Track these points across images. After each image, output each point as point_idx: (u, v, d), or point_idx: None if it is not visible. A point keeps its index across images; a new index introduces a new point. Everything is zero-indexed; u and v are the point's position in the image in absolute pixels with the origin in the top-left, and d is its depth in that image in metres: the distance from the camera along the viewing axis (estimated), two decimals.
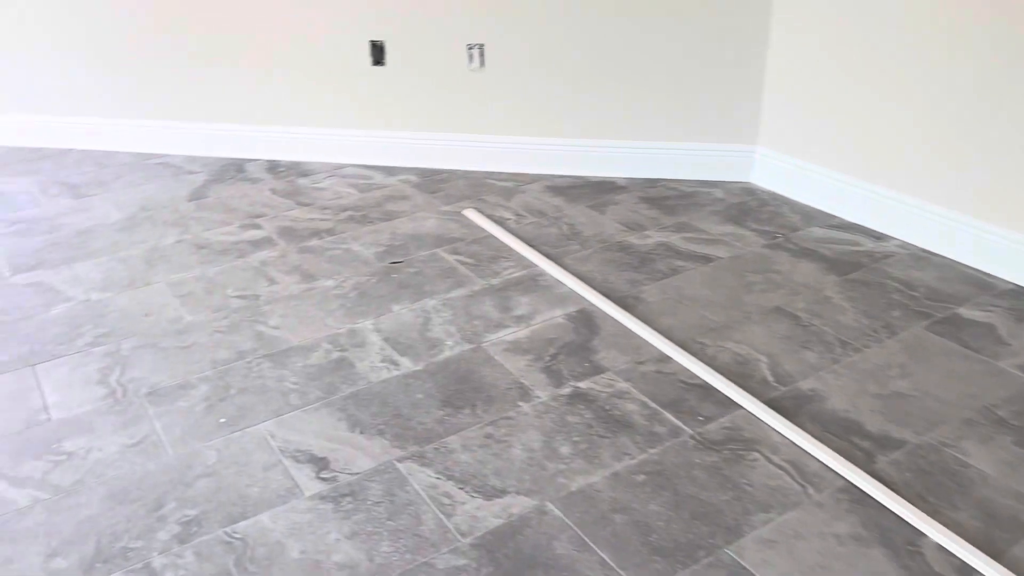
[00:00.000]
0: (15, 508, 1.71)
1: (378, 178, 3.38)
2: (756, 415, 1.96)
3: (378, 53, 3.29)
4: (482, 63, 3.23)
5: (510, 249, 2.78)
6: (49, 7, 3.43)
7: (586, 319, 2.37)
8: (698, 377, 2.10)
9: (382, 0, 3.20)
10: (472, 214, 3.02)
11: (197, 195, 3.22)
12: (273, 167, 3.49)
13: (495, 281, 2.58)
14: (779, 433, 1.90)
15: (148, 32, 3.41)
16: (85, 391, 2.07)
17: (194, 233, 2.91)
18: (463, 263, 2.69)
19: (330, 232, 2.92)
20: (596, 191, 3.23)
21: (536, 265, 2.67)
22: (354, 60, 3.32)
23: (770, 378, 2.10)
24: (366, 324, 2.36)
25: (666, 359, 2.18)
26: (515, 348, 2.23)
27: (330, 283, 2.58)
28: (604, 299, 2.44)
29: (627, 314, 2.36)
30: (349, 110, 3.42)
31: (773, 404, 1.99)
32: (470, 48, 3.21)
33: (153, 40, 3.42)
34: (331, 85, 3.39)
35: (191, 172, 3.44)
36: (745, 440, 1.88)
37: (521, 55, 3.20)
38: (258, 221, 3.00)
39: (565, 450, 1.86)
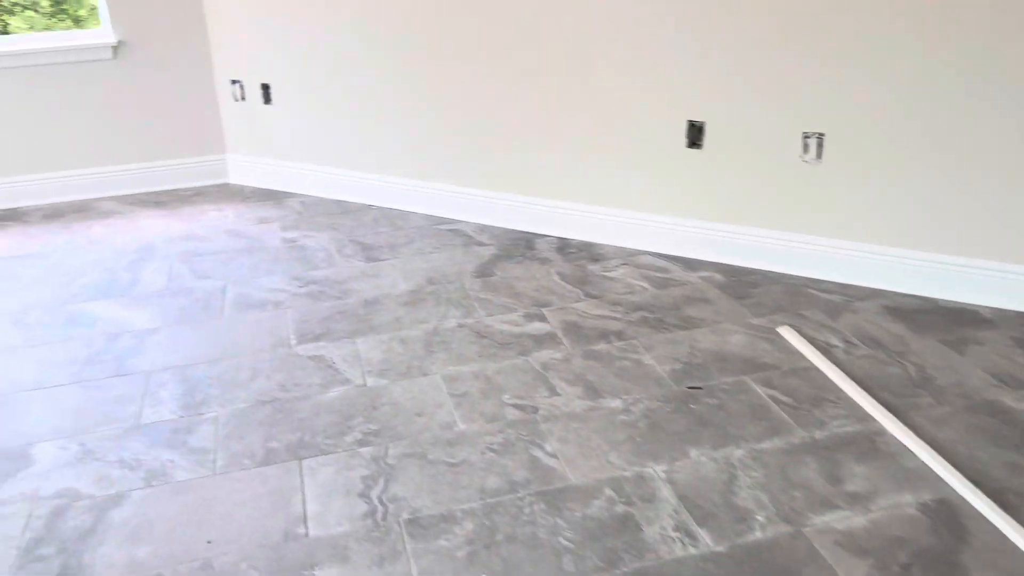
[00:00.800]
0: None
1: (677, 272, 3.00)
2: None
3: (695, 134, 2.92)
4: (819, 154, 2.74)
5: (838, 389, 2.26)
6: (365, 71, 3.48)
7: (949, 515, 1.80)
8: None
9: (709, 77, 2.83)
10: (789, 333, 2.54)
11: (484, 271, 3.04)
12: (563, 246, 3.25)
13: (819, 434, 2.08)
14: None
15: (454, 100, 3.33)
16: (346, 504, 1.88)
17: (477, 318, 2.71)
18: (778, 401, 2.22)
19: (620, 336, 2.58)
20: (952, 321, 2.60)
21: (873, 418, 2.13)
22: (667, 140, 2.98)
23: None
24: (657, 470, 1.97)
25: None
26: (849, 543, 1.72)
27: (617, 403, 2.23)
28: (972, 488, 1.85)
29: (1008, 518, 1.75)
30: (652, 193, 3.09)
31: None
32: (806, 137, 2.74)
33: (458, 108, 3.34)
34: (636, 164, 3.08)
35: (480, 243, 3.29)
36: None
37: (868, 148, 2.67)
38: (543, 311, 2.74)
39: None
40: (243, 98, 3.84)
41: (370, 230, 3.46)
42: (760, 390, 2.27)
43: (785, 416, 2.15)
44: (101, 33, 3.76)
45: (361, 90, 3.54)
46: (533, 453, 2.04)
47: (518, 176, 3.34)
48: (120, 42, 3.72)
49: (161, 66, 3.81)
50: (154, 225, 3.57)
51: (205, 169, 4.03)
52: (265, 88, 3.76)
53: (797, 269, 2.92)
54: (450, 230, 3.44)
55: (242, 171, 4.02)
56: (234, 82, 3.83)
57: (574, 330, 2.62)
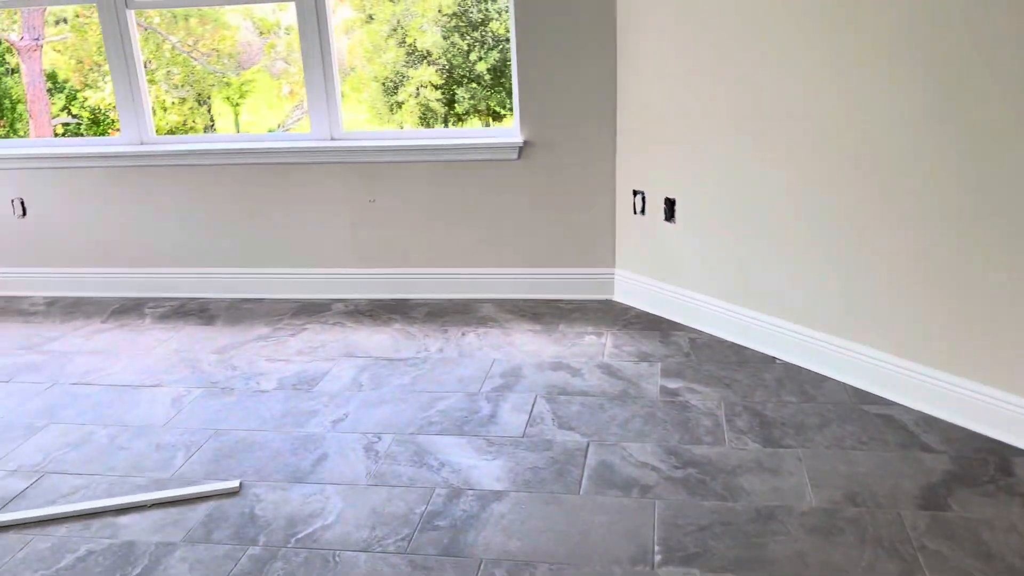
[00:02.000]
0: None
1: None
2: None
3: None
4: None
5: None
6: (787, 201, 2.80)
7: None
8: None
9: None
10: None
11: (933, 499, 2.15)
12: None
13: None
14: None
15: (905, 247, 2.50)
16: None
17: None
18: None
19: None
20: None
21: None
22: None
23: None
24: None
25: None
26: None
27: None
28: None
29: None
30: None
31: None
32: None
33: (909, 259, 2.50)
34: None
35: (926, 447, 2.40)
36: None
37: None
38: None
39: None
40: (642, 211, 3.39)
41: (772, 395, 2.74)
42: None
43: None
44: (510, 132, 3.59)
45: (779, 222, 2.87)
46: None
47: (994, 360, 2.39)
48: (526, 142, 3.51)
49: (562, 169, 3.52)
50: (526, 343, 3.24)
51: (590, 283, 3.65)
52: (669, 203, 3.26)
53: None
54: (881, 415, 2.58)
55: (628, 290, 3.57)
56: (636, 193, 3.40)
57: None
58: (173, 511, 2.26)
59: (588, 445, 2.49)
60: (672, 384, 2.85)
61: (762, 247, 2.97)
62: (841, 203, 2.69)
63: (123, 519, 2.23)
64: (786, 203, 2.86)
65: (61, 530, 2.18)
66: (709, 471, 2.33)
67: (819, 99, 2.68)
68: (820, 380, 2.83)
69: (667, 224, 3.30)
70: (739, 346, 3.12)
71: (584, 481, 2.31)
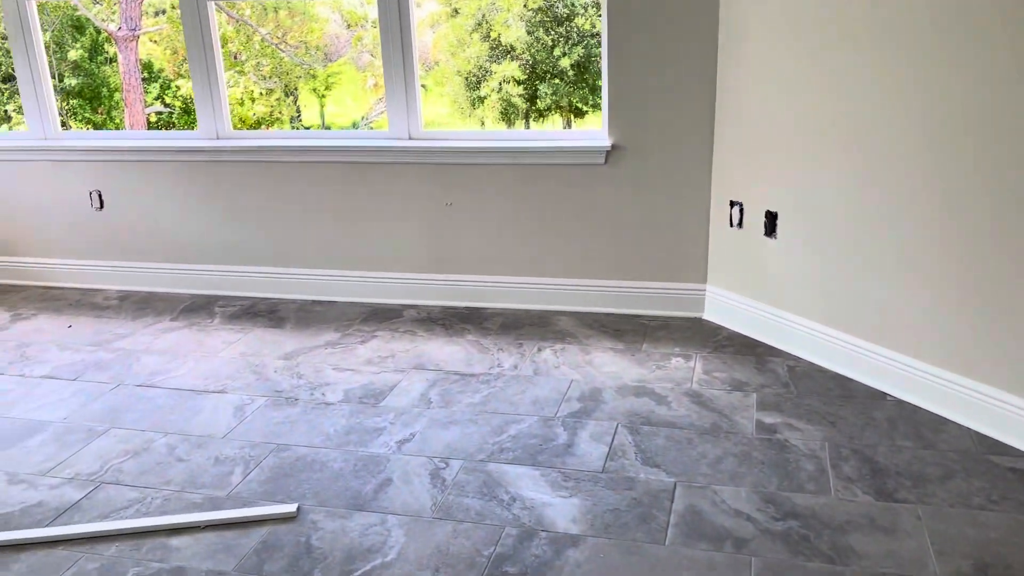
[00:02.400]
0: None
1: None
2: None
3: None
4: None
5: None
6: (903, 221, 2.49)
7: None
8: None
9: None
10: None
11: None
12: None
13: None
14: None
15: None
16: None
17: None
18: None
19: None
20: None
21: None
22: None
23: None
24: None
25: None
26: None
27: None
28: None
29: None
30: None
31: None
32: None
33: None
34: None
35: None
36: None
37: None
38: None
39: None
40: (739, 224, 3.12)
41: (884, 438, 2.45)
42: None
43: None
44: (597, 135, 3.36)
45: (895, 243, 2.56)
46: None
47: None
48: (614, 146, 3.27)
49: (653, 176, 3.27)
50: (606, 363, 3.01)
51: (677, 299, 3.39)
52: (771, 217, 2.98)
53: None
54: (1014, 470, 2.26)
55: (720, 309, 3.30)
56: (733, 204, 3.13)
57: None
58: (227, 535, 2.12)
59: (675, 486, 2.25)
60: (769, 419, 2.58)
61: (875, 270, 2.67)
62: (971, 227, 2.37)
63: (175, 540, 2.10)
64: (904, 223, 2.55)
65: (111, 549, 2.07)
66: (813, 525, 2.06)
67: (949, 112, 2.36)
68: (939, 423, 2.51)
69: (767, 239, 3.02)
70: (844, 378, 2.82)
71: (670, 529, 2.07)
